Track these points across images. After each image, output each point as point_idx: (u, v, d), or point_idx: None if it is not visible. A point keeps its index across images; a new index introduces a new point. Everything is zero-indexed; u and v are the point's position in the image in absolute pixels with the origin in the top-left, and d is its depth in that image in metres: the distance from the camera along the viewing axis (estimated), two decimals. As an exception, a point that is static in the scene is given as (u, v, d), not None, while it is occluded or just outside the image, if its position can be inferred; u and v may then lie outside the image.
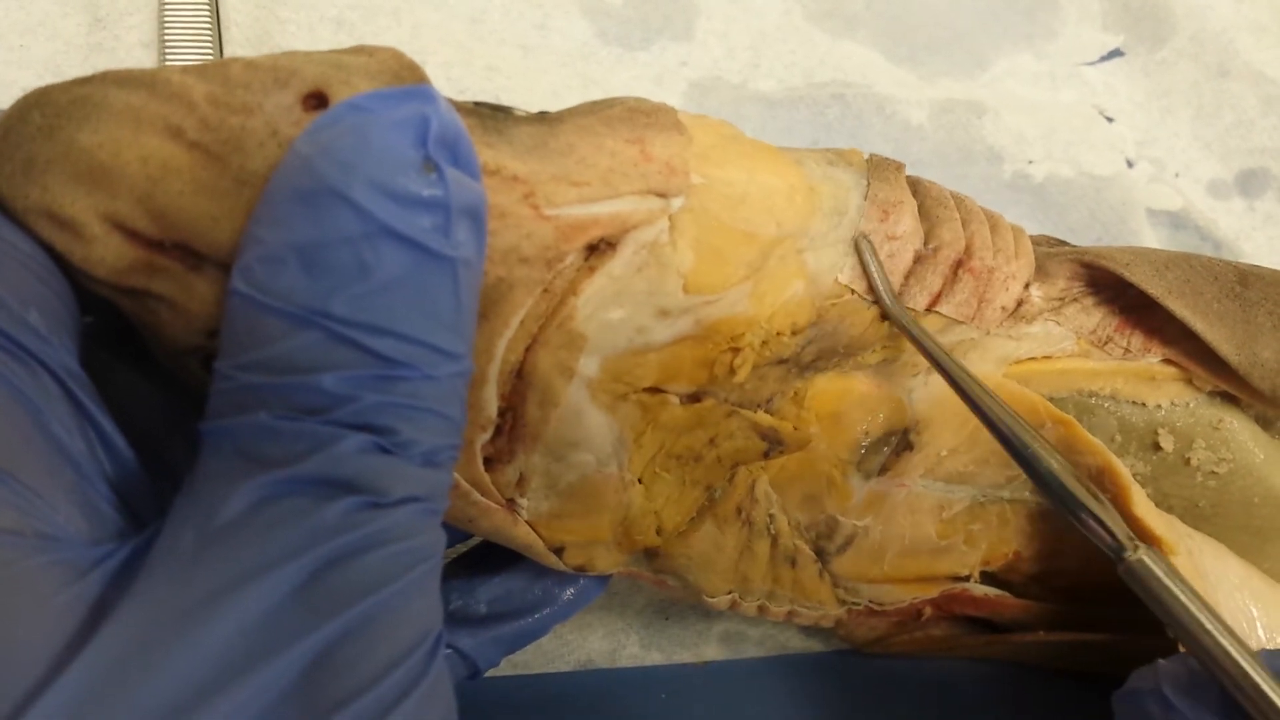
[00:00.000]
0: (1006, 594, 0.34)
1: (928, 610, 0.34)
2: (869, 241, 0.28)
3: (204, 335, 0.22)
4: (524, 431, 0.25)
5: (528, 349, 0.25)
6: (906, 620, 0.34)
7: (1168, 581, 0.24)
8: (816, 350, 0.28)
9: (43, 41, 0.38)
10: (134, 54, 0.38)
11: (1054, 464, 0.25)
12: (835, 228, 0.28)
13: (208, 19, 0.39)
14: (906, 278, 0.29)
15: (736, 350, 0.27)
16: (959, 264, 0.29)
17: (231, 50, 0.39)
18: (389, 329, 0.19)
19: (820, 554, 0.31)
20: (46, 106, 0.22)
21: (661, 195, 0.25)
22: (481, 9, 0.42)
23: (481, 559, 0.30)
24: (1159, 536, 0.29)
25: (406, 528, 0.20)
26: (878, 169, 0.29)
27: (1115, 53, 0.48)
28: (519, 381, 0.25)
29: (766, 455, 0.29)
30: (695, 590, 0.30)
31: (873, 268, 0.28)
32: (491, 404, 0.25)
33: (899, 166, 0.29)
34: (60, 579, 0.18)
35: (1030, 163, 0.46)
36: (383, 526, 0.19)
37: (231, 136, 0.21)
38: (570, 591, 0.30)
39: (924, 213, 0.29)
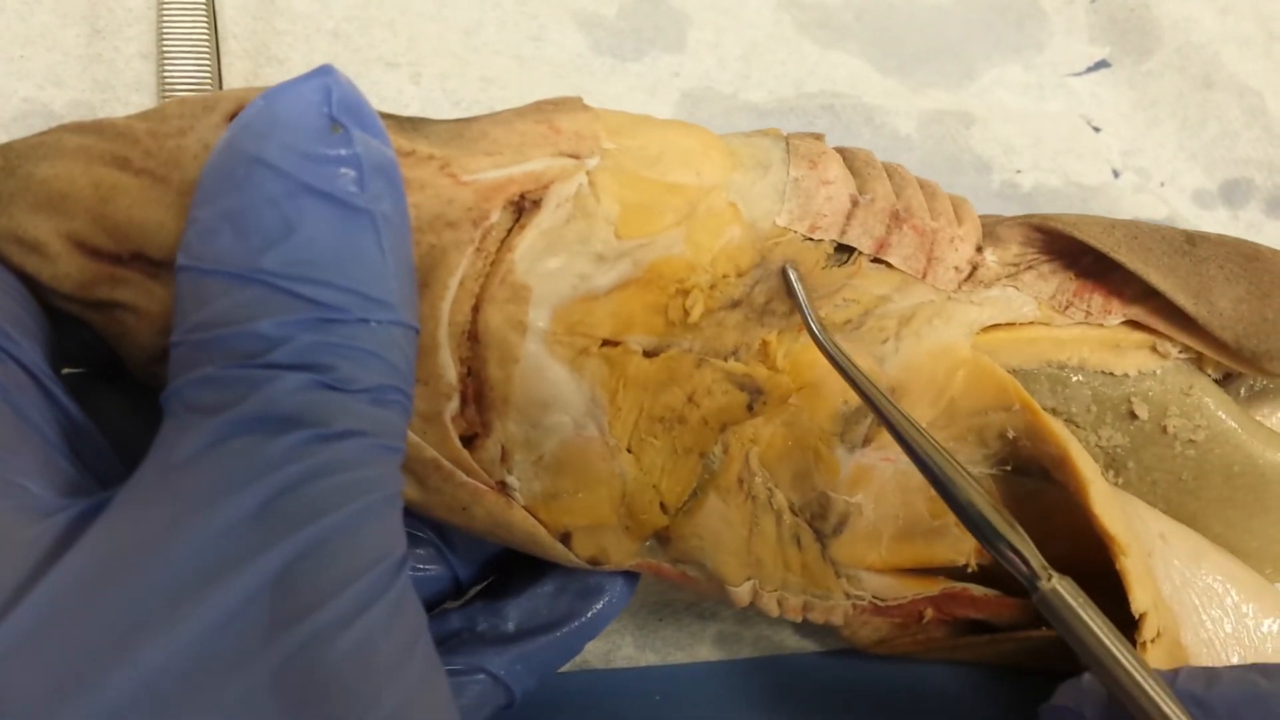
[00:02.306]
0: (1004, 595, 0.34)
1: (929, 612, 0.34)
2: (794, 269, 0.29)
3: (168, 338, 0.23)
4: (491, 395, 0.26)
5: (475, 309, 0.26)
6: (909, 622, 0.34)
7: (1079, 611, 0.25)
8: (767, 290, 0.29)
9: (42, 52, 0.38)
10: (133, 65, 0.39)
11: (972, 494, 0.26)
12: (762, 179, 0.28)
13: (206, 31, 0.39)
14: (848, 219, 0.29)
15: (685, 293, 0.27)
16: (897, 215, 0.30)
17: (229, 61, 0.39)
18: (318, 279, 0.20)
19: (818, 536, 0.31)
20: (9, 152, 0.25)
21: (574, 156, 0.26)
22: (477, 21, 0.43)
23: (507, 582, 0.31)
24: (1113, 535, 0.30)
25: (354, 460, 0.20)
26: (796, 135, 0.30)
27: (1102, 64, 0.49)
28: (474, 344, 0.26)
29: (750, 408, 0.29)
30: (717, 579, 0.31)
31: (799, 293, 0.28)
32: (449, 369, 0.25)
33: (819, 135, 0.30)
34: (27, 519, 0.20)
35: (1018, 172, 0.46)
36: (329, 458, 0.20)
37: (170, 157, 0.24)
38: (598, 604, 0.30)
39: (853, 171, 0.30)
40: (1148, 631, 0.29)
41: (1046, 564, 0.25)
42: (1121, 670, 0.24)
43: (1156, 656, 0.29)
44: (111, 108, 0.39)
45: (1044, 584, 0.25)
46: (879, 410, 0.27)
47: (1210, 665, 0.27)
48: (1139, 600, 0.29)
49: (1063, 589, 0.25)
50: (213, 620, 0.18)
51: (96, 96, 0.38)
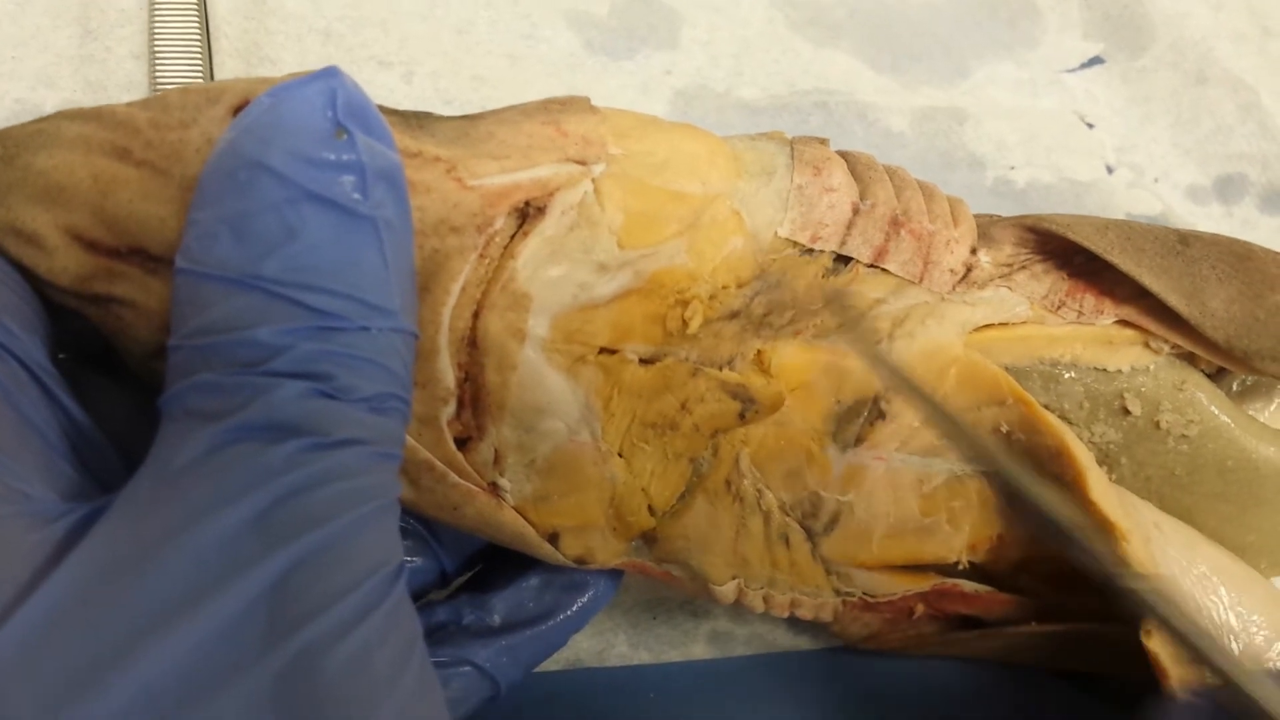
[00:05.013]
0: (995, 590, 0.34)
1: (919, 608, 0.34)
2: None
3: (165, 334, 0.23)
4: (488, 401, 0.26)
5: (475, 315, 0.25)
6: (899, 618, 0.34)
7: None
8: (766, 303, 0.29)
9: (34, 54, 0.38)
10: (125, 66, 0.39)
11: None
12: (766, 186, 0.28)
13: (197, 31, 0.39)
14: (848, 229, 0.29)
15: (685, 303, 0.27)
16: (896, 221, 0.30)
17: (221, 61, 0.39)
18: (319, 286, 0.20)
19: (809, 534, 0.31)
20: (6, 140, 0.24)
21: (580, 162, 0.26)
22: (469, 20, 0.43)
23: (493, 575, 0.31)
24: (1113, 522, 0.30)
25: (353, 468, 0.20)
26: (801, 139, 0.30)
27: (1095, 60, 0.49)
28: (473, 350, 0.26)
29: (742, 417, 0.29)
30: (701, 578, 0.31)
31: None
32: (447, 373, 0.25)
33: (823, 140, 0.30)
34: (28, 525, 0.19)
35: (1012, 169, 0.46)
36: (328, 466, 0.20)
37: (172, 150, 0.24)
38: (583, 598, 0.30)
39: (855, 175, 0.30)
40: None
41: None
42: None
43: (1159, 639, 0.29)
44: (103, 108, 0.39)
45: None
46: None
47: None
48: None
49: None
50: (211, 629, 0.18)
51: (88, 97, 0.38)
